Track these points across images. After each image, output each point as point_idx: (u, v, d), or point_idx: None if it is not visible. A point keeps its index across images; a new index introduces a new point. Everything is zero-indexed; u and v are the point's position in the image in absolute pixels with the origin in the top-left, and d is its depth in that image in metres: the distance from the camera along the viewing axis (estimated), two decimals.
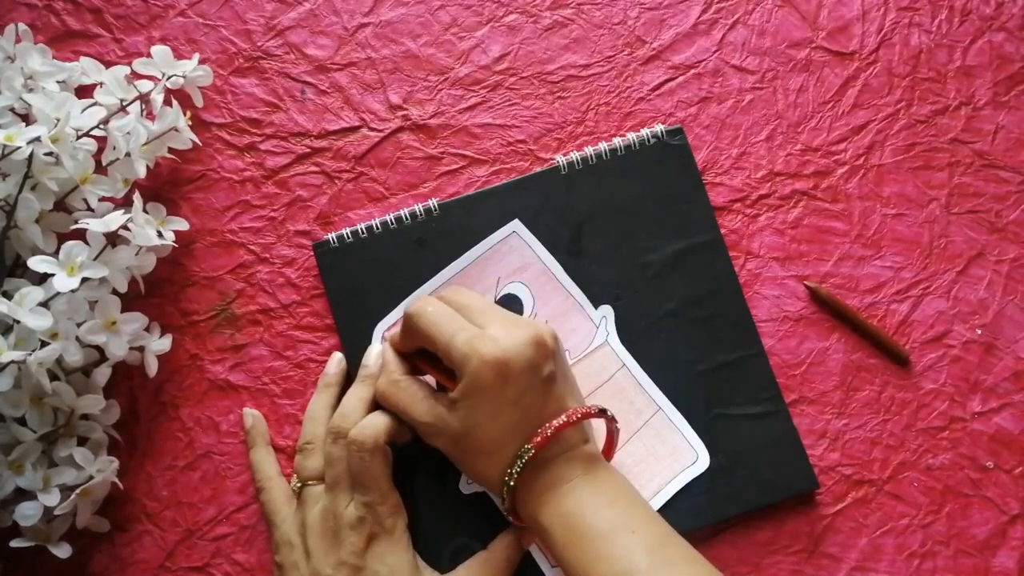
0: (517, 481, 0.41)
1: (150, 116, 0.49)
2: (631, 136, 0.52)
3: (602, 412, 0.43)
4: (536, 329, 0.42)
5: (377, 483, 0.44)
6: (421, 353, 0.45)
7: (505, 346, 0.41)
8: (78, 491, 0.44)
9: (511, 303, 0.50)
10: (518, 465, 0.41)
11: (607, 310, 0.50)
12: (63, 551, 0.45)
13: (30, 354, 0.42)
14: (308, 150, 0.53)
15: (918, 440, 0.49)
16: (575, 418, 0.41)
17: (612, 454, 0.46)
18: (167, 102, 0.49)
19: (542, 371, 0.41)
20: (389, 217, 0.51)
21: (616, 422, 0.44)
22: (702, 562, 0.40)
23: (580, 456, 0.42)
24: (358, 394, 0.47)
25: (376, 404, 0.47)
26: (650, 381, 0.49)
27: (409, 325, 0.44)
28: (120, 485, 0.48)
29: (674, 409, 0.49)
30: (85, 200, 0.47)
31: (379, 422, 0.44)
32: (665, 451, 0.48)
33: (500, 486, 0.42)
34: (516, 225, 0.51)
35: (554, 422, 0.41)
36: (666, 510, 0.47)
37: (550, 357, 0.42)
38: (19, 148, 0.44)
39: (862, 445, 0.49)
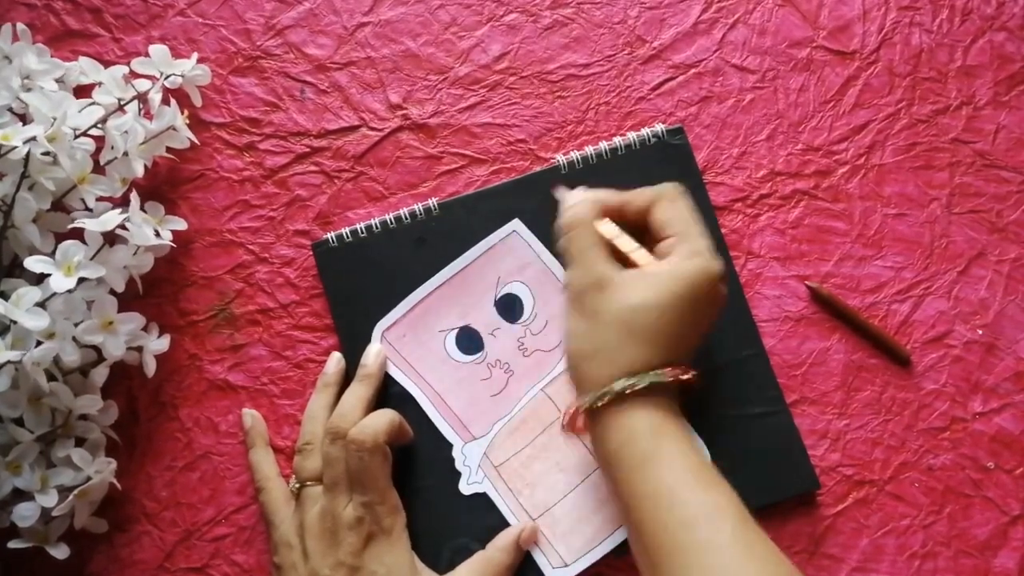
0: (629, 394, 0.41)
1: (148, 115, 0.49)
2: (631, 135, 0.51)
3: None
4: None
5: (376, 483, 0.44)
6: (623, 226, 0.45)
7: (726, 276, 0.43)
8: (76, 492, 0.44)
9: (511, 303, 0.50)
10: (649, 377, 0.40)
11: None
12: (61, 552, 0.45)
13: (27, 354, 0.41)
14: (307, 150, 0.52)
15: (919, 440, 0.49)
16: (698, 379, 0.43)
17: None
18: (165, 101, 0.49)
19: (718, 316, 0.44)
20: (389, 217, 0.50)
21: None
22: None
23: (677, 407, 0.43)
24: (357, 394, 0.47)
25: (375, 404, 0.47)
26: None
27: (669, 197, 0.45)
28: (118, 486, 0.47)
29: None
30: (83, 200, 0.47)
31: (379, 422, 0.44)
32: None
33: (607, 382, 0.41)
34: (516, 224, 0.51)
35: (693, 372, 0.42)
36: None
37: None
38: (16, 147, 0.43)
39: (863, 445, 0.49)
